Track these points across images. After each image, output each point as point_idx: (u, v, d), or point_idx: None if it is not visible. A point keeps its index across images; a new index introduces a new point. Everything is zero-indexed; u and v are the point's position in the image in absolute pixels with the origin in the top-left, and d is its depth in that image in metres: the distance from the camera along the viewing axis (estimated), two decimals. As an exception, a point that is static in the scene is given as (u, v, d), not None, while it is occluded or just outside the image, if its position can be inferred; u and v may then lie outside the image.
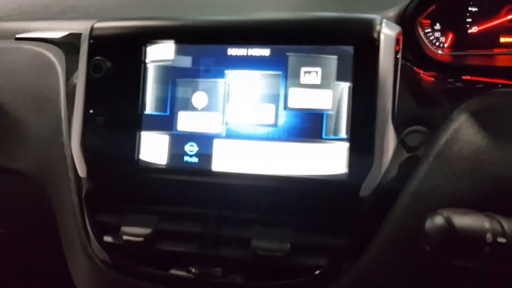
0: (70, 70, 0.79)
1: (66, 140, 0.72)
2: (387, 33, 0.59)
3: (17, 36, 0.91)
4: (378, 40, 0.58)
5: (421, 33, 0.77)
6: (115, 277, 0.65)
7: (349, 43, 0.59)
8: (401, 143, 0.63)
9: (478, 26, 0.79)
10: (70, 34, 0.87)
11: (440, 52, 0.78)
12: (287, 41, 0.61)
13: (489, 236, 0.44)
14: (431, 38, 0.79)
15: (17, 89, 0.81)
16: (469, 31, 0.79)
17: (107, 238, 0.66)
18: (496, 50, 0.79)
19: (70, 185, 0.70)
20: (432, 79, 0.73)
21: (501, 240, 0.44)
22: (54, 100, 0.76)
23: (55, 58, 0.81)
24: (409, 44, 0.73)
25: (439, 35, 0.79)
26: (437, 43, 0.79)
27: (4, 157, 0.81)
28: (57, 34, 0.88)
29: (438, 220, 0.45)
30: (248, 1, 0.94)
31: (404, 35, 0.64)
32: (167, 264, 0.63)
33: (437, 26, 0.79)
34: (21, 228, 0.96)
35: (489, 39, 0.79)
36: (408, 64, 0.72)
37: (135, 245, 0.63)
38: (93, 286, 0.68)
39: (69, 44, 0.84)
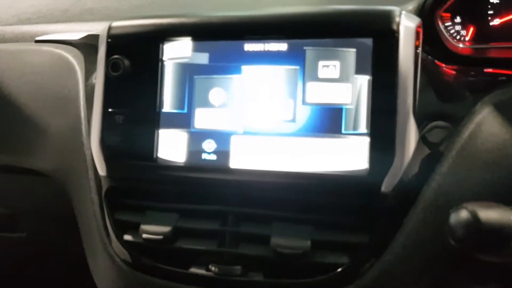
0: (89, 71, 0.79)
1: (86, 140, 0.72)
2: (407, 24, 0.58)
3: (37, 38, 0.92)
4: (397, 31, 0.57)
5: (441, 27, 0.76)
6: (135, 275, 0.65)
7: (368, 35, 0.58)
8: (423, 138, 0.61)
9: (500, 18, 0.77)
10: (88, 36, 0.87)
11: (461, 45, 0.76)
12: (304, 34, 0.61)
13: (516, 229, 0.43)
14: (452, 31, 0.77)
15: (37, 91, 0.82)
16: (491, 23, 0.77)
17: (127, 237, 0.65)
18: (519, 43, 0.77)
19: (90, 184, 0.70)
20: (454, 72, 0.72)
21: (528, 233, 0.43)
22: (74, 100, 0.77)
23: (74, 60, 0.82)
24: (429, 38, 0.72)
25: (460, 28, 0.77)
26: (458, 37, 0.77)
27: (26, 157, 0.82)
28: (75, 36, 0.88)
29: (463, 214, 0.43)
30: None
31: (424, 28, 0.62)
32: (187, 262, 0.63)
33: (458, 19, 0.77)
34: (42, 231, 0.97)
35: None
36: (429, 57, 0.71)
37: (155, 243, 0.63)
38: (114, 285, 0.68)
39: (87, 45, 0.85)
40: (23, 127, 0.82)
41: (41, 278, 1.09)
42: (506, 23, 0.77)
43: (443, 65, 0.72)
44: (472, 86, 0.68)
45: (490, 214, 0.43)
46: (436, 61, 0.71)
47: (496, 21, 0.77)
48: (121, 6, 1.06)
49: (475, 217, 0.43)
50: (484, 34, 0.77)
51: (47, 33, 0.94)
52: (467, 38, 0.78)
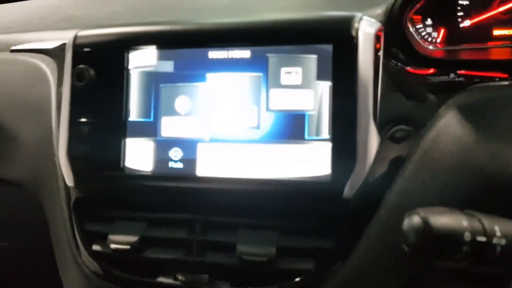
0: (62, 79, 0.79)
1: (56, 149, 0.72)
2: (366, 30, 0.58)
3: (12, 48, 0.92)
4: (356, 37, 0.58)
5: (412, 30, 0.76)
6: (104, 286, 0.65)
7: (328, 42, 0.59)
8: (386, 143, 0.62)
9: (470, 20, 0.77)
10: (63, 44, 0.87)
11: (431, 47, 0.76)
12: (266, 41, 0.61)
13: (467, 235, 0.43)
14: (423, 34, 0.77)
15: (12, 100, 0.82)
16: (461, 25, 0.78)
17: (96, 247, 0.66)
18: (490, 43, 0.77)
19: (60, 194, 0.70)
20: (420, 76, 0.72)
21: (481, 238, 0.43)
22: (46, 109, 0.77)
23: (48, 68, 0.82)
24: (400, 41, 0.72)
25: (431, 31, 0.78)
26: (429, 39, 0.77)
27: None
28: (50, 45, 0.88)
29: (415, 219, 0.44)
30: (241, 4, 0.94)
31: (394, 31, 0.62)
32: (155, 271, 0.63)
33: (429, 22, 0.78)
34: (22, 241, 0.97)
35: (482, 32, 0.77)
36: (396, 62, 0.71)
37: (123, 253, 0.63)
38: (83, 295, 0.68)
39: (61, 53, 0.85)
40: None
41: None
42: (476, 24, 0.77)
43: (411, 69, 0.72)
44: (438, 90, 0.68)
45: (441, 219, 0.43)
46: (401, 65, 0.71)
47: (466, 23, 0.78)
48: (99, 14, 1.06)
49: (426, 223, 0.43)
50: (455, 36, 0.77)
51: (23, 42, 0.94)
52: (438, 40, 0.78)
